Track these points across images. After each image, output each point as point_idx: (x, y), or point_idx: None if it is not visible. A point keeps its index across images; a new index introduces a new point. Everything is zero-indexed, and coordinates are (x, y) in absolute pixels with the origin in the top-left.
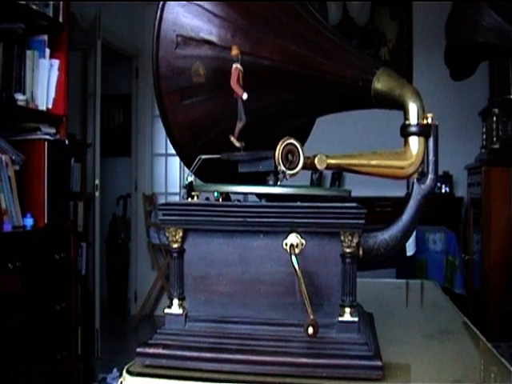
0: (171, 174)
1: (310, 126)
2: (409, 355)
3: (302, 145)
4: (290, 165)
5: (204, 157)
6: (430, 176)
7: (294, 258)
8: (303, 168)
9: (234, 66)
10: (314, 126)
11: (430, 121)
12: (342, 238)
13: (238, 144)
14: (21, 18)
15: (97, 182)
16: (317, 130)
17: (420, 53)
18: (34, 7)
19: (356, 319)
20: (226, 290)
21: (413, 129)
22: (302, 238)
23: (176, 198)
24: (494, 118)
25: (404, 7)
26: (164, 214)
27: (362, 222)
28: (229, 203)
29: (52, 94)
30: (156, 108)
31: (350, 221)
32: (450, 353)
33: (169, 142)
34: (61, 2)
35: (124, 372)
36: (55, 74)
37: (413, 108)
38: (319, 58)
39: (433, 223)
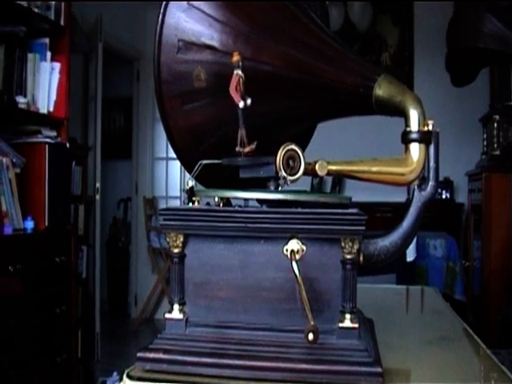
0: (172, 177)
1: (311, 131)
2: (409, 361)
3: (303, 150)
4: (291, 171)
5: (205, 162)
6: (431, 183)
7: (294, 263)
8: (304, 174)
9: (235, 72)
10: (314, 131)
11: (430, 128)
12: (343, 244)
13: (248, 148)
14: (22, 20)
15: (97, 185)
16: (318, 135)
17: (421, 58)
18: (36, 10)
19: (356, 325)
20: (227, 296)
21: (414, 136)
22: (302, 244)
23: (177, 202)
24: (495, 125)
25: (405, 13)
26: (165, 219)
27: (363, 228)
28: (230, 209)
29: (53, 97)
30: (157, 111)
31: (351, 227)
32: (449, 359)
33: (170, 146)
34: (62, 6)
35: (124, 376)
36: (56, 76)
37: (414, 115)
38: (320, 65)
39: (433, 229)
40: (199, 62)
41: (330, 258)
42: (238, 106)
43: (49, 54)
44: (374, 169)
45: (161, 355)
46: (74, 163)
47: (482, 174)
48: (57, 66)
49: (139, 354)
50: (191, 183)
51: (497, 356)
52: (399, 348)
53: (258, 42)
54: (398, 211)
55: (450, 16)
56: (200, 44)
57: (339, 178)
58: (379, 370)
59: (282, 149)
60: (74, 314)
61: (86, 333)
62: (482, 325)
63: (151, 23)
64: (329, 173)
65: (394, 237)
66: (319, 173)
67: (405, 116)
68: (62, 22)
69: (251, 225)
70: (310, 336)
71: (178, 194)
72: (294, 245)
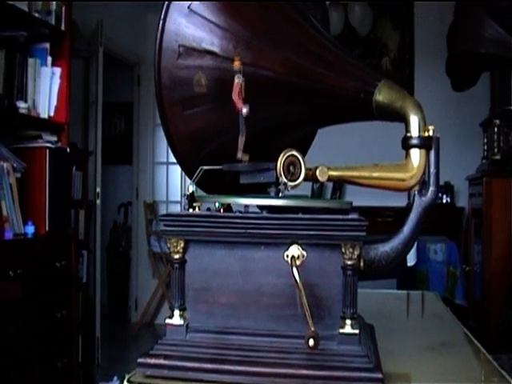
0: (172, 182)
1: (312, 137)
2: (409, 367)
3: (304, 156)
4: (292, 176)
5: (205, 168)
6: (431, 188)
7: (295, 269)
8: (305, 180)
9: (236, 78)
10: (315, 137)
11: (431, 133)
12: (343, 249)
13: (245, 158)
14: (23, 25)
15: (98, 189)
16: (318, 141)
17: (422, 63)
18: (36, 15)
19: (357, 331)
20: (227, 301)
21: (414, 141)
22: (303, 249)
23: (177, 207)
24: (495, 129)
25: (406, 17)
26: (165, 225)
27: (363, 234)
28: (230, 214)
29: (54, 102)
30: (157, 116)
31: (351, 233)
32: (450, 365)
33: (170, 151)
34: (63, 10)
35: (125, 382)
36: (57, 81)
37: (414, 120)
38: (321, 70)
39: (434, 233)
40: (200, 68)
41: (330, 264)
42: (240, 112)
43: (49, 58)
44: (375, 174)
45: (161, 361)
46: (74, 168)
47: (482, 179)
48: (57, 70)
49: (140, 360)
50: (192, 189)
51: (497, 361)
52: (400, 353)
53: (259, 48)
54: (398, 215)
55: (450, 20)
56: (201, 49)
57: (340, 183)
58: (380, 375)
59: (282, 155)
60: (74, 319)
61: (86, 337)
62: (482, 329)
63: (152, 28)
64: (329, 178)
65: (395, 242)
66: (320, 179)
67: (405, 121)
68: (62, 27)
69: (252, 231)
70: (311, 342)
71: (179, 199)
72: (294, 250)
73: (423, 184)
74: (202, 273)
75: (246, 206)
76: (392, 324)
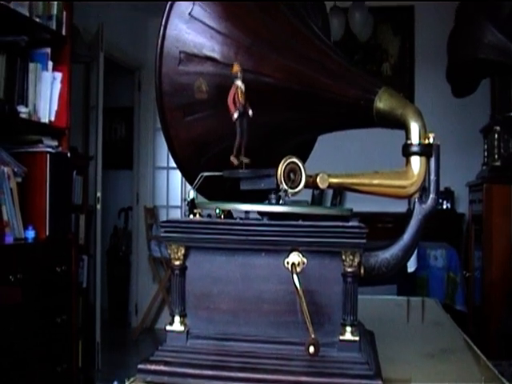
0: (173, 187)
1: (312, 144)
2: (409, 374)
3: (304, 163)
4: (292, 183)
5: (206, 174)
6: (432, 196)
7: (295, 276)
8: (305, 187)
9: (234, 83)
10: (315, 143)
11: (431, 140)
12: (344, 257)
13: (236, 162)
14: (24, 30)
15: (98, 194)
16: (318, 148)
17: (422, 69)
18: (37, 20)
19: (357, 338)
20: (228, 308)
21: (414, 148)
22: (303, 256)
23: (177, 212)
24: (496, 136)
25: (406, 23)
26: (166, 231)
27: (364, 241)
28: (231, 221)
29: (54, 107)
30: (158, 121)
31: (352, 240)
32: (450, 372)
33: (170, 156)
34: (64, 15)
35: None
36: (58, 86)
37: (414, 128)
38: (321, 77)
39: (434, 239)
40: (201, 74)
41: (330, 271)
42: (232, 116)
43: (50, 63)
44: (375, 181)
45: (162, 367)
46: (74, 173)
47: (482, 185)
48: (58, 75)
49: (140, 366)
50: (192, 194)
51: (497, 367)
52: (400, 360)
53: (260, 55)
54: (398, 221)
55: (450, 26)
56: (201, 56)
57: (340, 189)
58: (380, 382)
59: (283, 162)
60: (74, 324)
61: (86, 342)
62: (482, 335)
63: (152, 33)
64: (330, 186)
65: (395, 249)
66: (320, 186)
67: (405, 129)
68: (63, 32)
69: (252, 237)
70: (311, 349)
71: (179, 204)
72: (294, 257)
73: (423, 191)
74: (203, 279)
75: (247, 213)
76: (392, 330)
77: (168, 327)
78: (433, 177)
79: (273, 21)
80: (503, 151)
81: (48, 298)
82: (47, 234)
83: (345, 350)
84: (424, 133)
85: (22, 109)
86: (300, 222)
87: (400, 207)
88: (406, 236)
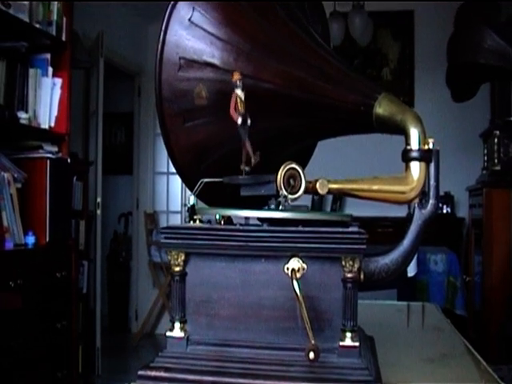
0: (173, 192)
1: (312, 149)
2: (409, 379)
3: (304, 168)
4: (292, 189)
5: (206, 180)
6: (431, 201)
7: (295, 282)
8: (305, 192)
9: (235, 91)
10: (315, 149)
11: (431, 146)
12: (344, 262)
13: (254, 159)
14: (24, 36)
15: (98, 199)
16: (318, 153)
17: (422, 73)
18: (37, 26)
19: (357, 344)
20: (228, 314)
21: (414, 154)
22: (303, 262)
23: (177, 217)
24: (495, 140)
25: (406, 28)
26: (166, 238)
27: (364, 247)
28: (231, 227)
29: (54, 113)
30: (158, 126)
31: (352, 246)
32: (450, 377)
33: (170, 162)
34: (64, 21)
35: None
36: (58, 92)
37: (414, 133)
38: (321, 83)
39: (434, 244)
40: (200, 80)
41: (330, 277)
42: (236, 124)
43: (50, 69)
44: (375, 187)
45: (162, 373)
46: (74, 178)
47: (482, 189)
48: (58, 81)
49: (140, 372)
50: (192, 200)
51: (498, 372)
52: (400, 366)
53: (259, 61)
54: (398, 226)
55: (450, 31)
56: (201, 62)
57: (340, 195)
58: None
59: (282, 168)
60: (74, 329)
61: (86, 348)
62: (482, 340)
63: (152, 38)
64: (329, 191)
65: (395, 255)
66: (320, 191)
67: (405, 134)
68: (63, 38)
69: (252, 243)
70: (311, 355)
71: (179, 209)
72: (294, 263)
73: (423, 196)
74: (203, 285)
75: (247, 219)
76: (392, 335)
77: (168, 333)
78: (432, 182)
79: (272, 27)
80: (503, 156)
81: (48, 304)
82: (47, 239)
83: (345, 355)
84: (424, 138)
85: (22, 114)
86: (300, 228)
87: (400, 212)
88: (406, 241)
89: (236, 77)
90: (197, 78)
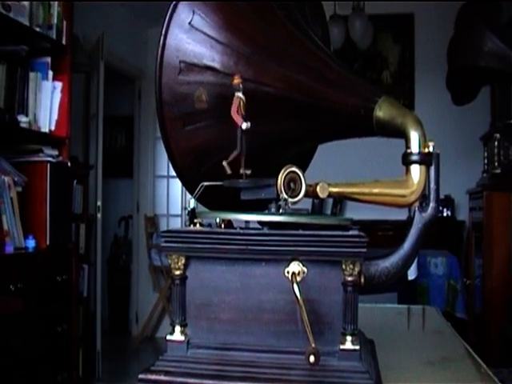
0: (173, 195)
1: (312, 153)
2: (410, 382)
3: (304, 172)
4: (292, 193)
5: (206, 184)
6: (432, 204)
7: (295, 286)
8: (305, 196)
9: (236, 95)
10: (315, 153)
11: (431, 149)
12: (344, 266)
13: (229, 171)
14: (24, 40)
15: (99, 203)
16: (318, 157)
17: (422, 76)
18: (38, 29)
19: (357, 347)
20: (228, 318)
21: (414, 157)
22: (303, 266)
23: (178, 220)
24: (496, 143)
25: (406, 31)
26: (166, 241)
27: (364, 250)
28: (231, 231)
29: (55, 116)
30: (158, 129)
31: (352, 249)
32: (451, 380)
33: (171, 165)
34: (64, 25)
35: None
36: (58, 96)
37: (414, 136)
38: (321, 87)
39: (434, 247)
40: (201, 84)
41: (331, 280)
42: (239, 128)
43: (50, 73)
44: (375, 190)
45: (162, 377)
46: (75, 182)
47: (482, 192)
48: (58, 84)
49: (141, 376)
50: (193, 204)
51: (498, 375)
52: (400, 369)
53: (260, 64)
54: (399, 229)
55: (450, 34)
56: (201, 65)
57: (340, 198)
58: None
59: (283, 171)
60: (74, 333)
61: (86, 351)
62: (482, 343)
63: (153, 42)
64: (330, 195)
65: (395, 258)
66: (320, 195)
67: (405, 138)
68: (63, 41)
69: (252, 247)
70: (311, 358)
71: (179, 212)
72: (295, 267)
73: (424, 198)
74: (203, 289)
75: (247, 222)
76: (393, 339)
77: (168, 337)
78: (433, 185)
79: (272, 30)
80: (503, 158)
81: (48, 307)
82: (47, 243)
83: (345, 359)
84: (424, 141)
85: (22, 118)
86: (300, 232)
87: (400, 215)
88: (406, 245)
89: (237, 81)
90: (197, 82)
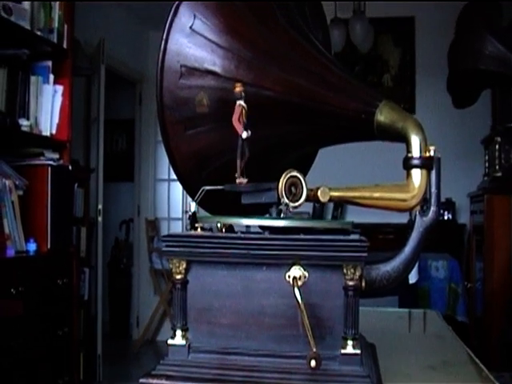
0: (174, 199)
1: (313, 157)
2: None
3: (305, 176)
4: (293, 197)
5: (207, 188)
6: (433, 208)
7: (296, 290)
8: (306, 200)
9: (238, 103)
10: (316, 157)
11: (432, 153)
12: (345, 270)
13: (244, 181)
14: (25, 43)
15: (100, 206)
16: (319, 161)
17: (423, 80)
18: (39, 33)
19: (358, 352)
20: (229, 322)
21: (415, 161)
22: (304, 270)
23: (179, 224)
24: (497, 146)
25: (407, 34)
26: (167, 246)
27: (365, 254)
28: (232, 235)
29: (56, 120)
30: (159, 133)
31: (353, 254)
32: None
33: (172, 169)
34: (65, 29)
35: None
36: (59, 99)
37: (415, 141)
38: (322, 91)
39: (435, 250)
40: (202, 88)
41: (332, 285)
42: (240, 136)
43: (51, 76)
44: (376, 195)
45: (163, 381)
46: (76, 185)
47: (483, 196)
48: (59, 88)
49: (141, 380)
50: (194, 208)
51: (500, 379)
52: (401, 373)
53: (260, 68)
54: (399, 232)
55: (451, 37)
56: (202, 70)
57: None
58: None
59: (284, 175)
60: (75, 336)
61: (87, 355)
62: (484, 346)
63: (153, 45)
64: (331, 199)
65: (396, 262)
66: (321, 199)
67: (406, 142)
68: (64, 45)
69: (253, 251)
70: (313, 362)
71: (180, 216)
72: (296, 271)
73: (425, 202)
74: (204, 293)
75: (248, 227)
76: (393, 343)
77: (170, 341)
78: (434, 189)
79: (273, 34)
80: (504, 162)
81: (49, 311)
82: (49, 246)
83: (346, 363)
84: (425, 146)
85: (23, 122)
86: (301, 236)
87: (401, 218)
88: (407, 249)
89: (238, 89)
90: (198, 86)
